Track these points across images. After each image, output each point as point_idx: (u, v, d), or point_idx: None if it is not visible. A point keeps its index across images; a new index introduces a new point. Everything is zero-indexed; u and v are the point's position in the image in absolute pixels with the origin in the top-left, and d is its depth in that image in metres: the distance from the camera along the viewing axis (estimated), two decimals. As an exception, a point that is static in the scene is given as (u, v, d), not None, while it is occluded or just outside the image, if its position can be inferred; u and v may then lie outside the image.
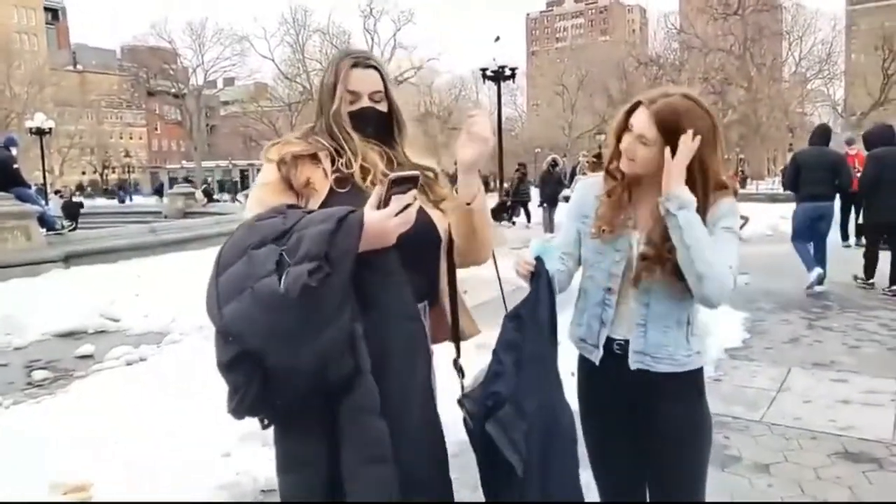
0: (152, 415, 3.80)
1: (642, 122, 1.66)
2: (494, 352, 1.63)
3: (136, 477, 3.12)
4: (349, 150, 1.62)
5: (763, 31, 46.91)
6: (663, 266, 1.67)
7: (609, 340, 1.79)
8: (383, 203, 1.40)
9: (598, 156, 16.94)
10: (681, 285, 1.67)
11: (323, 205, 1.52)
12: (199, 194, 21.33)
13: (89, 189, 58.18)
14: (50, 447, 3.41)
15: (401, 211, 1.40)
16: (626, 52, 52.49)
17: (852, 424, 3.65)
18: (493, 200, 21.43)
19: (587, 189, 1.87)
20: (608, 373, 1.80)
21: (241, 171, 59.09)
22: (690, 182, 1.62)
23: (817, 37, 48.07)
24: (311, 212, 1.44)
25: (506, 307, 1.71)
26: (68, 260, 9.05)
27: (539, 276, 1.67)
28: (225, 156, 60.79)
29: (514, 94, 61.59)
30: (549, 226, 14.00)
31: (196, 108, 56.10)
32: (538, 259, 1.68)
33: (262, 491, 3.00)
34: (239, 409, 1.38)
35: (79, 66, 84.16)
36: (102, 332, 6.15)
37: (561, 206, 14.40)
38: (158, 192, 39.68)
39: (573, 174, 15.46)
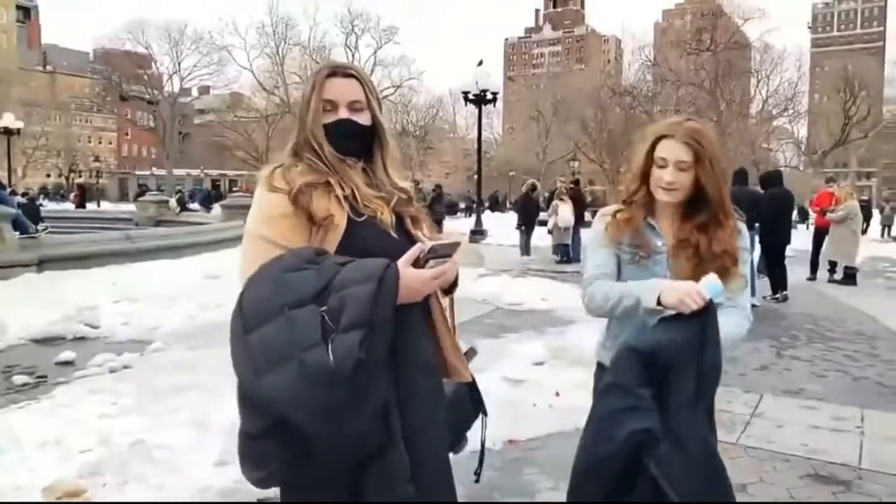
0: (142, 423, 3.80)
1: (677, 150, 1.81)
2: (623, 386, 1.64)
3: (131, 484, 3.13)
4: (342, 174, 1.54)
5: (733, 68, 48.22)
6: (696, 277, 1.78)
7: None
8: (421, 263, 1.39)
9: (577, 182, 17.30)
10: None
11: (347, 237, 1.46)
12: (173, 202, 21.11)
13: (52, 192, 56.88)
14: (38, 452, 3.40)
15: (437, 277, 1.41)
16: (602, 82, 53.45)
17: (822, 448, 3.82)
18: (470, 222, 21.64)
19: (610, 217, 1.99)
20: None
21: (213, 181, 58.55)
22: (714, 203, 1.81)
23: (783, 76, 49.62)
24: (343, 263, 1.35)
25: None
26: (42, 265, 8.90)
27: (709, 315, 1.64)
28: (197, 164, 60.16)
29: (491, 117, 62.27)
30: (526, 248, 14.20)
31: (170, 116, 55.43)
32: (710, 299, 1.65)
33: (260, 501, 3.03)
34: (269, 480, 1.31)
35: (49, 67, 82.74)
36: (82, 338, 6.08)
37: (538, 230, 14.65)
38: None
39: (550, 198, 15.72)
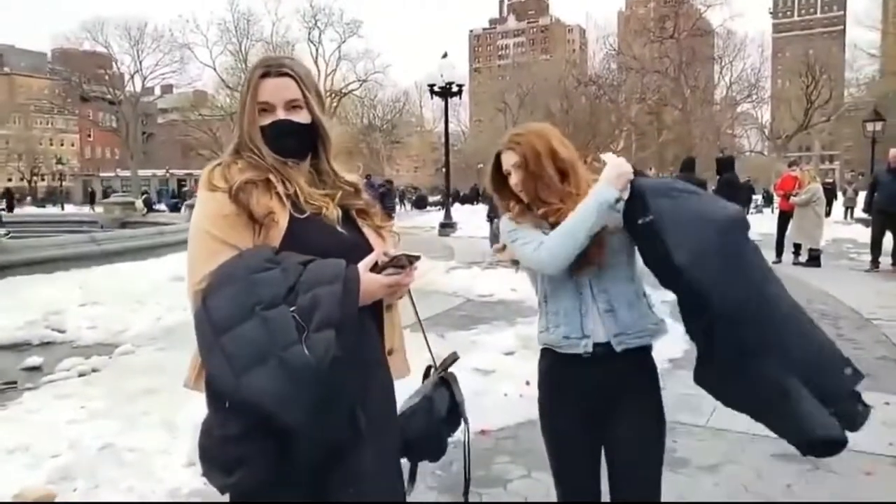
0: (112, 427, 3.76)
1: (507, 158, 1.99)
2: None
3: (102, 488, 3.10)
4: (283, 172, 1.53)
5: (696, 55, 48.96)
6: (601, 256, 1.89)
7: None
8: (378, 269, 1.43)
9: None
10: (623, 264, 1.94)
11: (288, 234, 1.45)
12: (139, 203, 20.79)
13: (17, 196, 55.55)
14: (7, 459, 3.35)
15: (391, 285, 1.45)
16: (567, 72, 53.77)
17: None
18: (440, 215, 21.66)
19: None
20: (588, 368, 1.93)
21: (179, 181, 57.65)
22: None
23: (746, 62, 50.48)
24: (304, 262, 1.37)
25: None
26: (4, 270, 8.70)
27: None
28: (162, 164, 59.14)
29: (457, 109, 62.26)
30: (496, 239, 14.27)
31: (133, 116, 54.42)
32: None
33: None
34: (242, 483, 1.30)
35: (6, 69, 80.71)
36: (48, 343, 5.96)
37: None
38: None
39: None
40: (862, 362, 5.27)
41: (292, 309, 1.28)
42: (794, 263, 11.29)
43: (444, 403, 1.75)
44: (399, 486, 1.58)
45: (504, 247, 2.10)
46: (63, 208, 39.58)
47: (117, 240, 11.75)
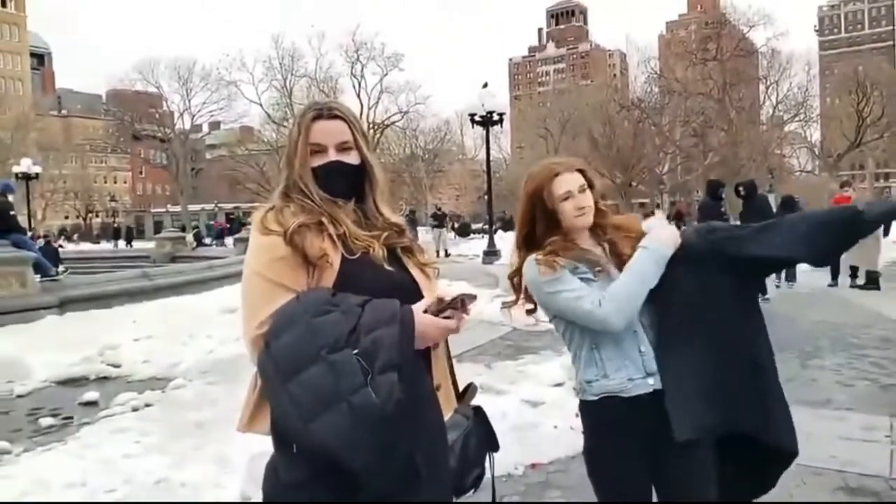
0: (165, 461, 3.81)
1: (573, 179, 1.97)
2: None
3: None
4: (334, 214, 1.56)
5: (741, 75, 48.27)
6: None
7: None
8: (435, 311, 1.44)
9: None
10: None
11: (340, 276, 1.48)
12: (189, 238, 21.35)
13: (75, 235, 57.75)
14: (64, 494, 3.42)
15: (447, 327, 1.46)
16: (608, 97, 53.55)
17: (852, 460, 3.75)
18: (483, 242, 21.68)
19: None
20: (651, 405, 1.88)
21: (227, 214, 59.11)
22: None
23: (793, 81, 49.61)
24: (361, 304, 1.39)
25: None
26: (63, 306, 9.02)
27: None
28: (210, 199, 60.84)
29: (499, 136, 62.55)
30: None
31: (182, 152, 56.30)
32: None
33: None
34: None
35: (63, 111, 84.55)
36: (104, 378, 6.13)
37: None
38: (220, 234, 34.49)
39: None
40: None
41: (355, 352, 1.30)
42: (852, 286, 10.89)
43: (479, 436, 1.72)
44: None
45: (535, 308, 2.04)
46: (116, 245, 40.91)
47: (168, 274, 12.07)
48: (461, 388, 1.75)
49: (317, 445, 1.26)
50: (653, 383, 1.89)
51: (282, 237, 1.48)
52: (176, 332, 7.57)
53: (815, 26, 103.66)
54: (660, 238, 1.92)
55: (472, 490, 1.71)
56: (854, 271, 11.10)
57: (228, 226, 28.27)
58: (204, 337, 7.41)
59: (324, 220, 1.53)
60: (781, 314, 8.08)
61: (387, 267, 1.56)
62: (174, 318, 8.39)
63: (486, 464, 1.74)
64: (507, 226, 41.23)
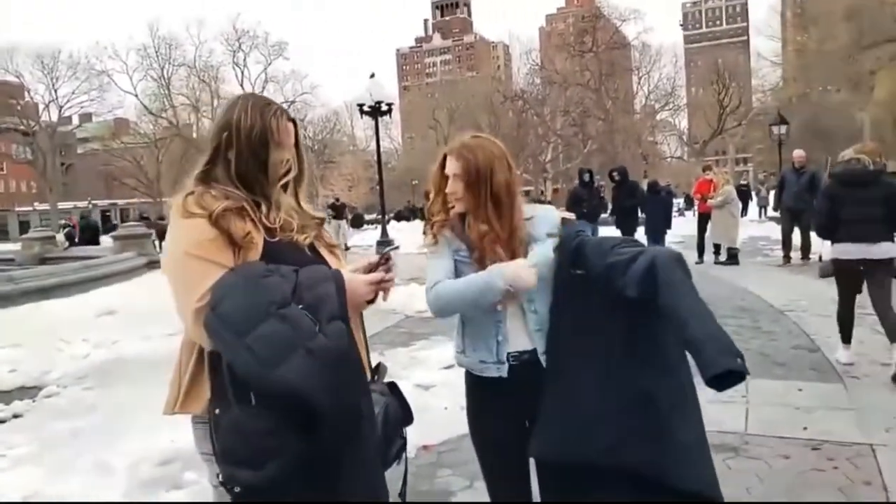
0: (38, 473, 3.61)
1: (450, 165, 2.00)
2: None
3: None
4: (273, 202, 1.68)
5: (615, 67, 50.68)
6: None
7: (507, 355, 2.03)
8: (366, 270, 1.63)
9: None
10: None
11: (264, 255, 1.58)
12: (60, 237, 19.90)
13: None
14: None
15: (378, 283, 1.63)
16: (493, 88, 54.76)
17: (712, 419, 4.11)
18: (376, 233, 21.64)
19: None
20: (508, 385, 2.02)
21: (103, 212, 55.50)
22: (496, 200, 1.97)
23: (662, 72, 52.77)
24: (296, 269, 1.52)
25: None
26: (-88, 316, 8.22)
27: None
28: (83, 196, 56.84)
29: (389, 127, 62.41)
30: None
31: (50, 147, 52.16)
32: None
33: None
34: (273, 475, 1.40)
35: None
36: (-35, 391, 5.67)
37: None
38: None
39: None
40: (778, 353, 5.62)
41: (300, 307, 1.43)
42: (716, 263, 11.81)
43: (395, 409, 1.83)
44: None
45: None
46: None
47: (37, 277, 11.24)
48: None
49: (283, 389, 1.36)
50: (500, 372, 2.01)
51: (206, 219, 1.56)
52: (47, 338, 7.09)
53: (679, 21, 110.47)
54: (512, 275, 1.88)
55: (396, 461, 1.82)
56: (717, 248, 12.05)
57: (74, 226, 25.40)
58: (79, 342, 7.00)
59: (245, 205, 1.62)
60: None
61: (307, 252, 1.70)
62: (45, 324, 7.84)
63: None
64: (400, 216, 41.34)
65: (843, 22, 34.68)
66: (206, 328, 1.45)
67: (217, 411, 1.48)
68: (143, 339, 7.15)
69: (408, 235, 21.20)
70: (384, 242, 18.84)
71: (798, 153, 11.24)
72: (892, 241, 4.88)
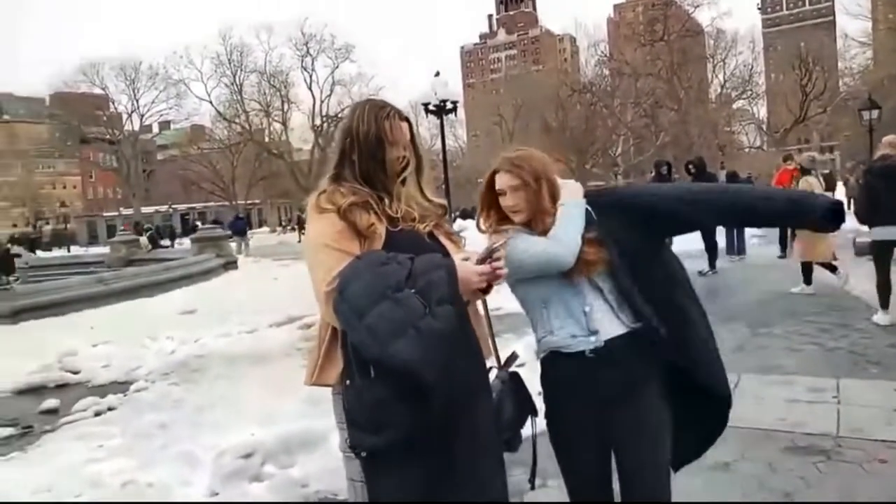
0: (130, 463, 3.80)
1: (501, 179, 2.06)
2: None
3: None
4: (394, 195, 1.86)
5: (688, 55, 49.07)
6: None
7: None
8: (480, 261, 1.72)
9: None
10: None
11: (386, 243, 1.75)
12: (143, 240, 20.90)
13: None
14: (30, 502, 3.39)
15: (488, 274, 1.72)
16: (560, 81, 53.94)
17: (800, 421, 3.93)
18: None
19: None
20: (596, 363, 1.99)
21: (182, 215, 57.92)
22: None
23: (738, 59, 50.67)
24: (412, 257, 1.66)
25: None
26: (16, 315, 8.82)
27: None
28: (164, 200, 59.50)
29: (454, 125, 62.53)
30: None
31: (132, 154, 54.87)
32: None
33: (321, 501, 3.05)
34: (390, 440, 1.58)
35: (5, 116, 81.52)
36: (64, 385, 6.03)
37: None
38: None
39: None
40: (871, 351, 5.31)
41: (413, 291, 1.57)
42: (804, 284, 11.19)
43: (514, 400, 1.98)
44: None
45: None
46: (69, 250, 39.74)
47: (124, 278, 11.86)
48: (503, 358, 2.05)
49: (396, 364, 1.51)
50: (594, 341, 1.99)
51: (335, 213, 1.76)
52: (135, 335, 7.48)
53: (757, 4, 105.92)
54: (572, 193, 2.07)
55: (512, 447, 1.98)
56: (806, 272, 11.42)
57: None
58: (164, 339, 7.35)
59: (370, 200, 1.80)
60: (732, 286, 8.38)
61: (427, 240, 1.85)
62: (132, 322, 8.29)
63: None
64: (465, 214, 41.40)
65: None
66: (334, 309, 1.62)
67: (347, 383, 1.68)
68: (222, 335, 7.45)
69: (473, 233, 21.22)
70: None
71: (891, 139, 10.57)
72: None
